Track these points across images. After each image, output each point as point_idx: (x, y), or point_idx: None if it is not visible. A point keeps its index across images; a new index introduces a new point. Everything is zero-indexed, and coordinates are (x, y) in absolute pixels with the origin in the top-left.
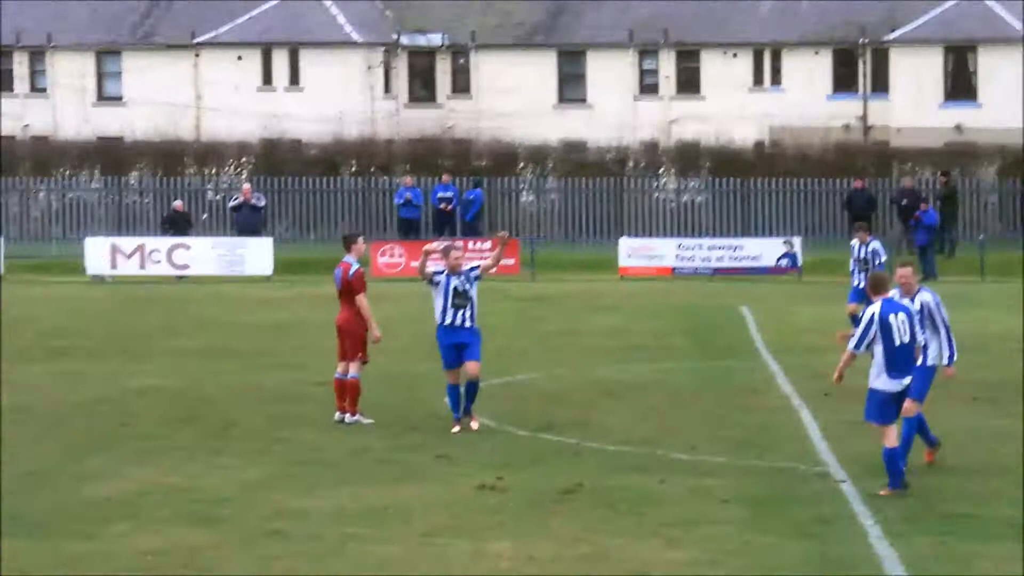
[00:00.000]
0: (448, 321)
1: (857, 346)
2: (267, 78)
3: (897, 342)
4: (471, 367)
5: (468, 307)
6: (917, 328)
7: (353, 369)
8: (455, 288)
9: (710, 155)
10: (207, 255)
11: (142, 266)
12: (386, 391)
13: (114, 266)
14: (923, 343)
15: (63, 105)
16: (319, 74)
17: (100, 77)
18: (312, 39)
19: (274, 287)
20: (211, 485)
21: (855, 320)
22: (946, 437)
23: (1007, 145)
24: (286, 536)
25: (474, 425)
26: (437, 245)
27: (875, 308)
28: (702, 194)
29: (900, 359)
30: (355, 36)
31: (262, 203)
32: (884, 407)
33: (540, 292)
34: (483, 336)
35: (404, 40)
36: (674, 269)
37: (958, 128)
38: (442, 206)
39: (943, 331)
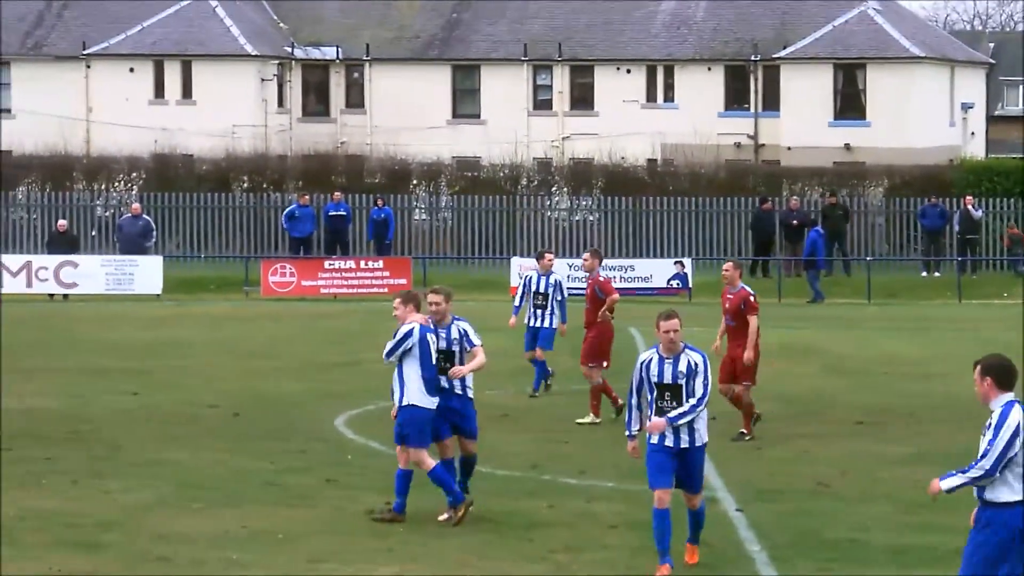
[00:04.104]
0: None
1: (388, 355)
2: (159, 91)
3: (435, 361)
4: (470, 445)
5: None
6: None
7: None
8: (437, 348)
9: (603, 173)
10: (96, 273)
11: (29, 284)
12: (272, 413)
13: None
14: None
15: None
16: (212, 87)
17: None
18: (205, 51)
19: (163, 306)
20: (94, 509)
21: (539, 366)
22: (830, 462)
23: (894, 165)
24: (169, 562)
25: (451, 515)
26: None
27: (415, 326)
28: (594, 213)
29: (436, 380)
30: (249, 48)
31: (151, 225)
32: (425, 426)
33: None
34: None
35: (299, 53)
36: None
37: (847, 147)
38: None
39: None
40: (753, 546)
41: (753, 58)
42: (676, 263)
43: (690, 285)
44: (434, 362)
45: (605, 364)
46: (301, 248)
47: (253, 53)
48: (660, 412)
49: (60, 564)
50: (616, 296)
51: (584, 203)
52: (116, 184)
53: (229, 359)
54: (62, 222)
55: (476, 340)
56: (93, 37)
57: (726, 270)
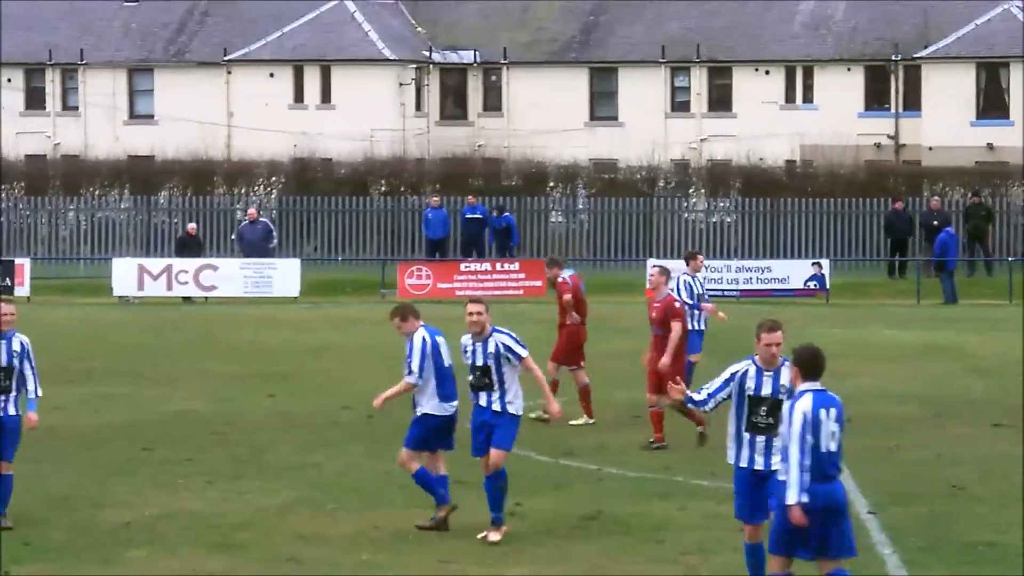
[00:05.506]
0: (474, 401)
1: (409, 373)
2: (299, 96)
3: (447, 363)
4: (493, 455)
5: (495, 390)
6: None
7: None
8: (474, 364)
9: (741, 174)
10: (235, 276)
11: (169, 287)
12: (406, 415)
13: (141, 287)
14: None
15: (94, 123)
16: (351, 92)
17: (132, 95)
18: (344, 56)
19: (300, 308)
20: (232, 511)
21: (691, 369)
22: (966, 464)
23: None
24: (302, 563)
25: (493, 537)
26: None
27: (424, 334)
28: (732, 215)
29: (449, 384)
30: (387, 53)
31: (270, 227)
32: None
33: None
34: None
35: (436, 57)
36: None
37: (989, 146)
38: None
39: None
40: (885, 549)
41: (894, 58)
42: (814, 264)
43: (827, 286)
44: (445, 364)
45: (581, 364)
46: (436, 251)
47: (391, 57)
48: (754, 427)
49: (196, 564)
50: (568, 296)
51: (721, 205)
52: (256, 188)
53: (365, 361)
54: (191, 225)
55: (523, 351)
56: (234, 43)
57: (652, 276)
